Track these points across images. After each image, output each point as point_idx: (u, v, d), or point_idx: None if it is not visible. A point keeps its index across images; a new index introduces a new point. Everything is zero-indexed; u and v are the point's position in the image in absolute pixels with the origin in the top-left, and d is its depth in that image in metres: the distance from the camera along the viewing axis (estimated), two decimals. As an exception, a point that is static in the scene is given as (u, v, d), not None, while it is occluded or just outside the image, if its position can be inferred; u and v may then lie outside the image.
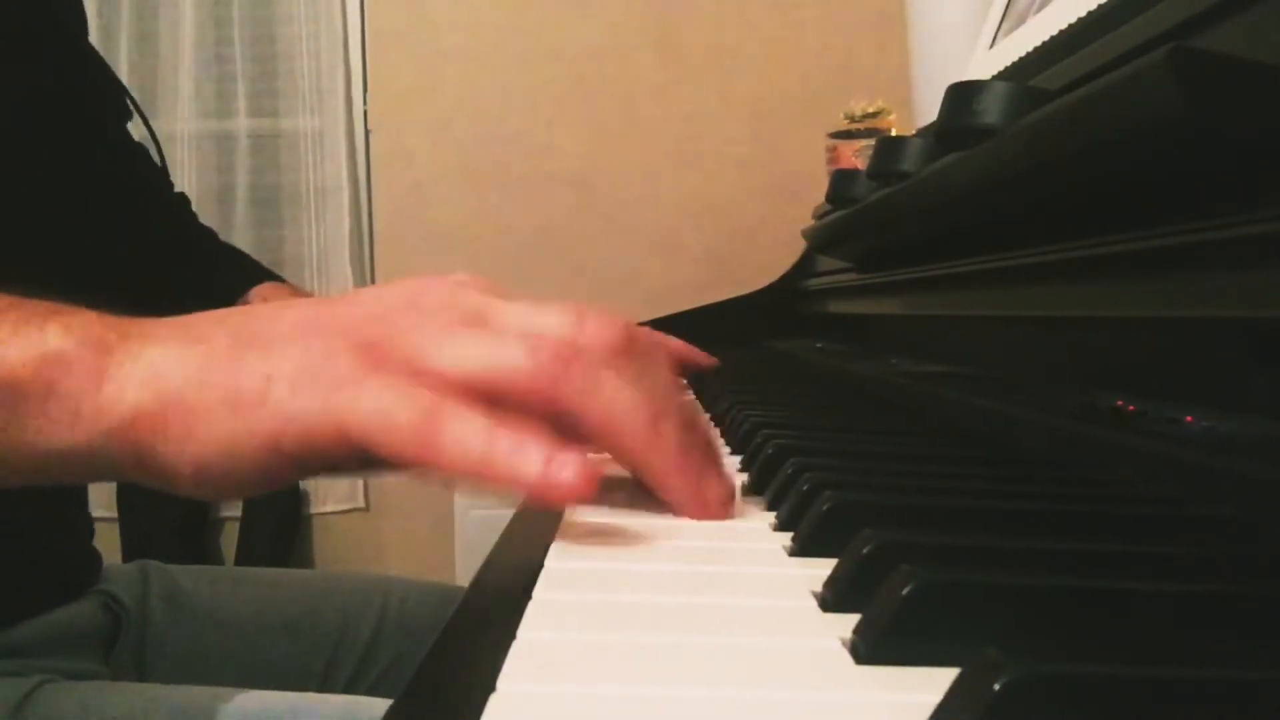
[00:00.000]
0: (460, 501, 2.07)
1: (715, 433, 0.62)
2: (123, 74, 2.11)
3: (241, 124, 2.19)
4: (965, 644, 0.19)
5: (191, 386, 0.33)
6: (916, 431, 0.56)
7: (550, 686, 0.22)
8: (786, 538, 0.35)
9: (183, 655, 0.77)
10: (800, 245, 1.31)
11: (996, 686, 0.18)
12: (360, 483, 2.21)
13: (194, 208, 0.96)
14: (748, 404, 0.63)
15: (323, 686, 0.78)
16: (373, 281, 2.21)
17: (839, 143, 1.43)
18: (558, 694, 0.21)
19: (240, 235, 2.15)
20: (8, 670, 0.64)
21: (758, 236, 2.09)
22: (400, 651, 0.82)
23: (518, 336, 0.34)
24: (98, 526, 0.82)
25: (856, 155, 1.28)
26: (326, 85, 2.18)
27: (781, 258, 1.44)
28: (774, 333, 1.35)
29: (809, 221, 1.15)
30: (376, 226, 2.22)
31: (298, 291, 0.91)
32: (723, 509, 0.38)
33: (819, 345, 1.12)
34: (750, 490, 0.44)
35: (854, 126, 1.42)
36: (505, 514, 0.40)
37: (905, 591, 0.23)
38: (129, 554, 2.03)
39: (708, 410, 0.72)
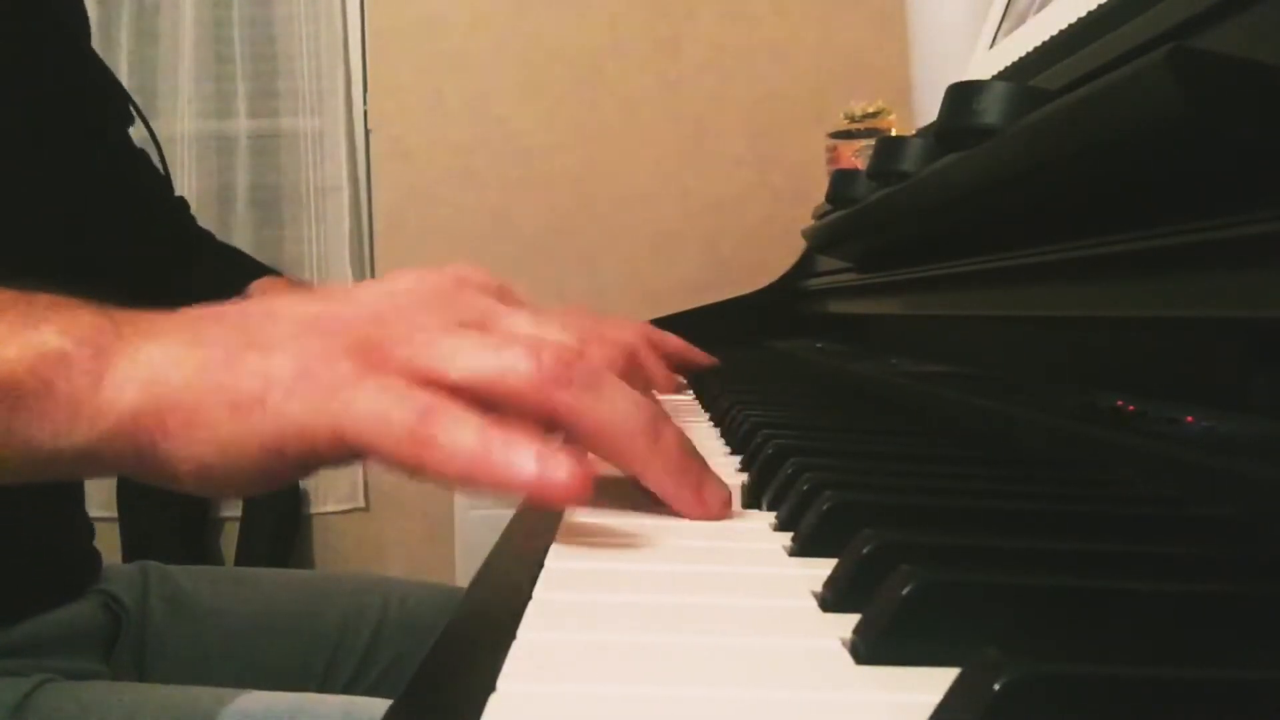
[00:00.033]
0: (460, 501, 2.07)
1: (715, 433, 0.62)
2: (122, 74, 2.12)
3: (241, 124, 2.19)
4: (965, 644, 0.19)
5: (191, 388, 0.33)
6: (916, 431, 0.56)
7: (550, 686, 0.22)
8: (786, 538, 0.35)
9: (183, 655, 0.77)
10: (800, 245, 1.31)
11: (996, 686, 0.18)
12: (360, 483, 2.21)
13: (194, 208, 0.96)
14: (748, 404, 0.63)
15: (323, 687, 0.78)
16: (373, 281, 2.20)
17: (839, 143, 1.44)
18: (558, 694, 0.21)
19: (240, 235, 2.15)
20: (8, 670, 0.64)
21: (758, 236, 2.09)
22: (400, 652, 0.82)
23: (518, 341, 0.34)
24: (98, 526, 0.82)
25: (856, 155, 1.28)
26: (326, 85, 2.18)
27: (781, 258, 1.44)
28: (774, 333, 1.35)
29: (809, 221, 1.15)
30: (376, 226, 2.22)
31: (296, 286, 0.90)
32: (724, 511, 0.38)
33: (819, 345, 1.12)
34: (750, 490, 0.44)
35: (854, 126, 1.42)
36: (505, 514, 0.40)
37: (905, 591, 0.23)
38: (129, 554, 2.04)
39: (707, 410, 0.72)
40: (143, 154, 0.89)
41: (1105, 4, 0.54)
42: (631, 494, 0.39)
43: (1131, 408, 0.42)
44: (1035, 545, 0.29)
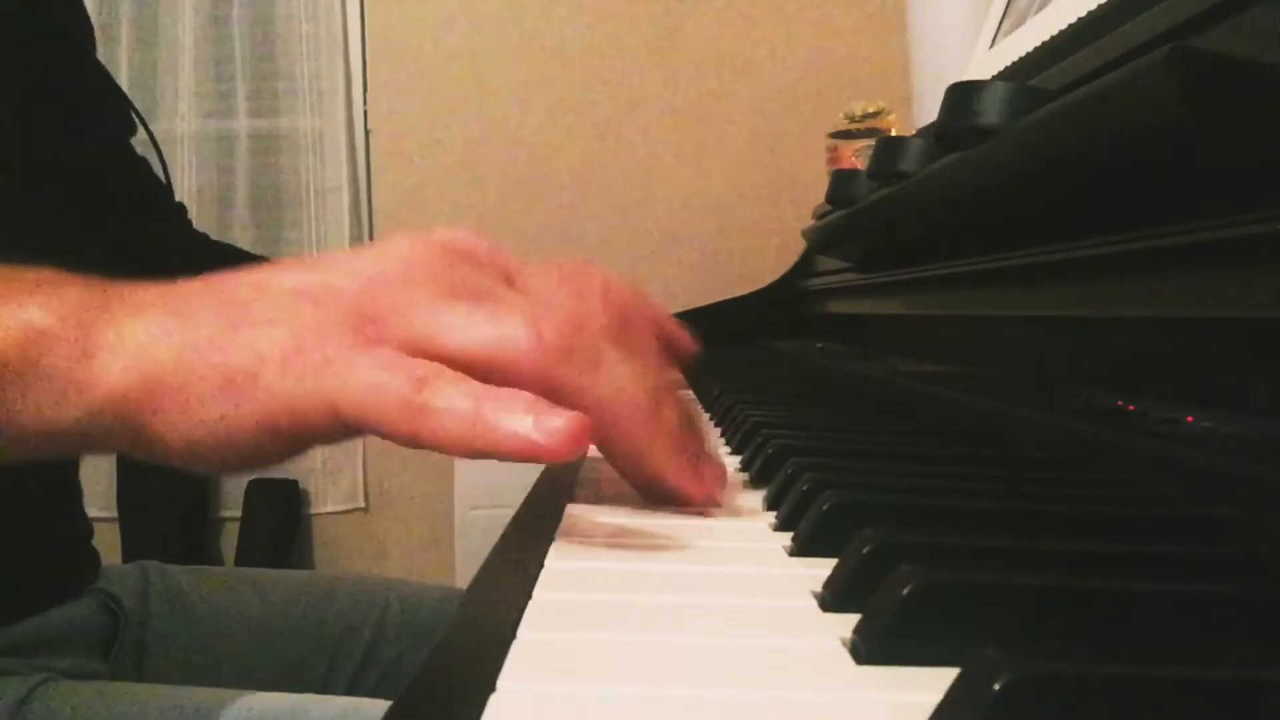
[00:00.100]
0: (460, 501, 2.07)
1: (715, 432, 0.62)
2: (122, 74, 2.12)
3: (241, 124, 2.19)
4: (965, 644, 0.19)
5: (180, 365, 0.32)
6: (916, 431, 0.56)
7: (550, 686, 0.22)
8: (786, 538, 0.35)
9: (183, 656, 0.77)
10: (800, 245, 1.31)
11: (996, 686, 0.18)
12: (360, 482, 2.21)
13: (194, 208, 0.96)
14: (748, 404, 0.63)
15: (323, 688, 0.78)
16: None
17: (839, 143, 1.44)
18: (558, 694, 0.21)
19: (240, 235, 2.15)
20: (7, 669, 0.64)
21: (758, 236, 2.09)
22: (400, 653, 0.82)
23: (517, 313, 0.34)
24: (98, 526, 0.82)
25: (856, 155, 1.28)
26: (326, 85, 2.18)
27: (781, 258, 1.44)
28: (774, 333, 1.35)
29: (809, 221, 1.15)
30: (376, 226, 2.22)
31: None
32: (719, 486, 0.38)
33: (819, 345, 1.12)
34: (750, 490, 0.44)
35: (854, 126, 1.42)
36: (505, 514, 0.40)
37: (905, 591, 0.23)
38: (129, 554, 2.03)
39: (707, 410, 0.72)
40: (143, 162, 0.89)
41: (1105, 4, 0.54)
42: (631, 494, 0.39)
43: (1131, 408, 0.42)
44: (1035, 545, 0.29)
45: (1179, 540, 0.32)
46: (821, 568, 0.29)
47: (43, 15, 0.73)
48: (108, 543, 2.02)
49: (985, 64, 0.77)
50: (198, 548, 2.15)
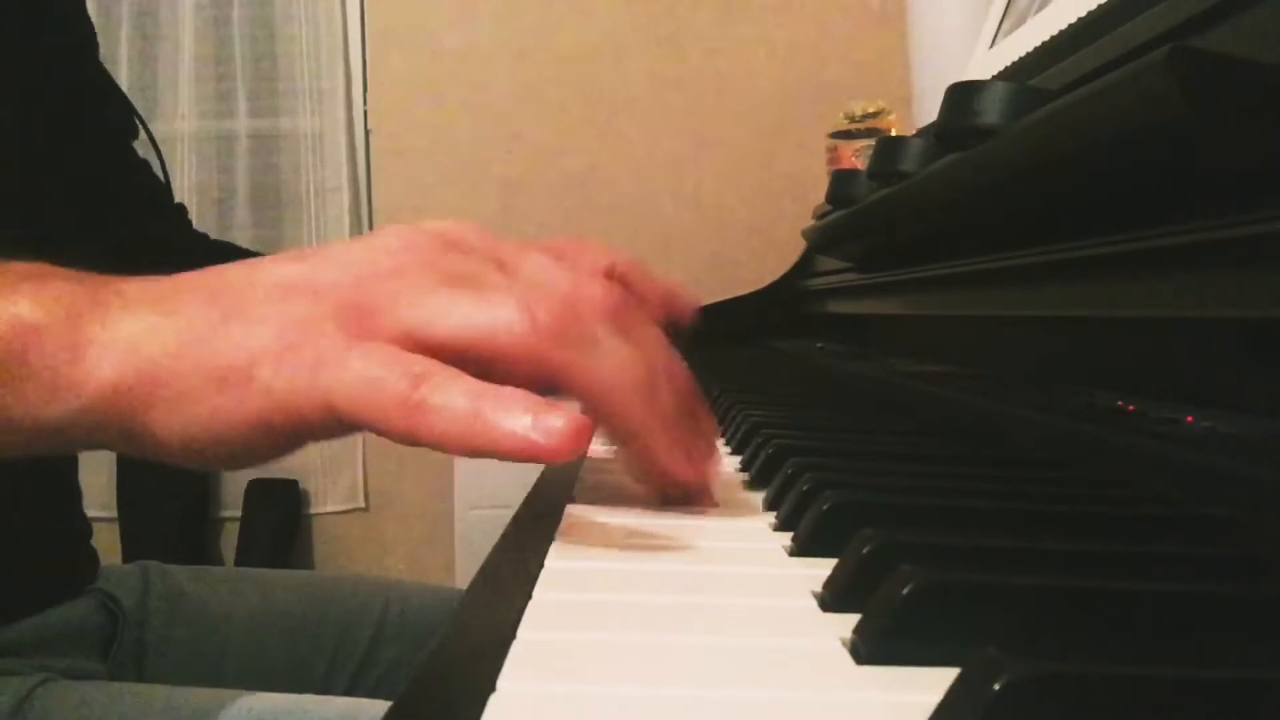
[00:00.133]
0: (460, 501, 2.07)
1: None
2: (122, 74, 2.12)
3: (241, 124, 2.20)
4: (965, 644, 0.19)
5: (172, 361, 0.32)
6: (916, 431, 0.56)
7: (550, 686, 0.22)
8: (786, 538, 0.35)
9: (183, 656, 0.77)
10: (800, 245, 1.31)
11: (996, 686, 0.18)
12: (360, 482, 2.21)
13: (194, 208, 0.96)
14: (748, 404, 0.63)
15: (323, 688, 0.78)
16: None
17: (839, 143, 1.44)
18: (558, 694, 0.21)
19: (240, 235, 2.15)
20: (6, 669, 0.64)
21: (758, 236, 2.09)
22: (400, 653, 0.82)
23: (509, 296, 0.33)
24: (97, 526, 0.82)
25: (856, 155, 1.28)
26: (326, 85, 2.18)
27: (781, 258, 1.44)
28: (774, 333, 1.35)
29: (809, 221, 1.15)
30: (376, 226, 2.22)
31: None
32: (710, 469, 0.37)
33: (819, 345, 1.12)
34: (750, 490, 0.44)
35: (854, 126, 1.42)
36: (505, 514, 0.40)
37: (905, 591, 0.23)
38: (129, 554, 2.03)
39: (708, 410, 0.72)
40: (144, 163, 0.89)
41: (1105, 4, 0.54)
42: (631, 494, 0.39)
43: (1131, 408, 0.42)
44: (1035, 545, 0.29)
45: (1179, 540, 0.32)
46: (821, 568, 0.29)
47: (43, 13, 0.73)
48: (107, 543, 2.02)
49: (985, 64, 0.77)
50: (198, 548, 2.15)
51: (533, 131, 2.18)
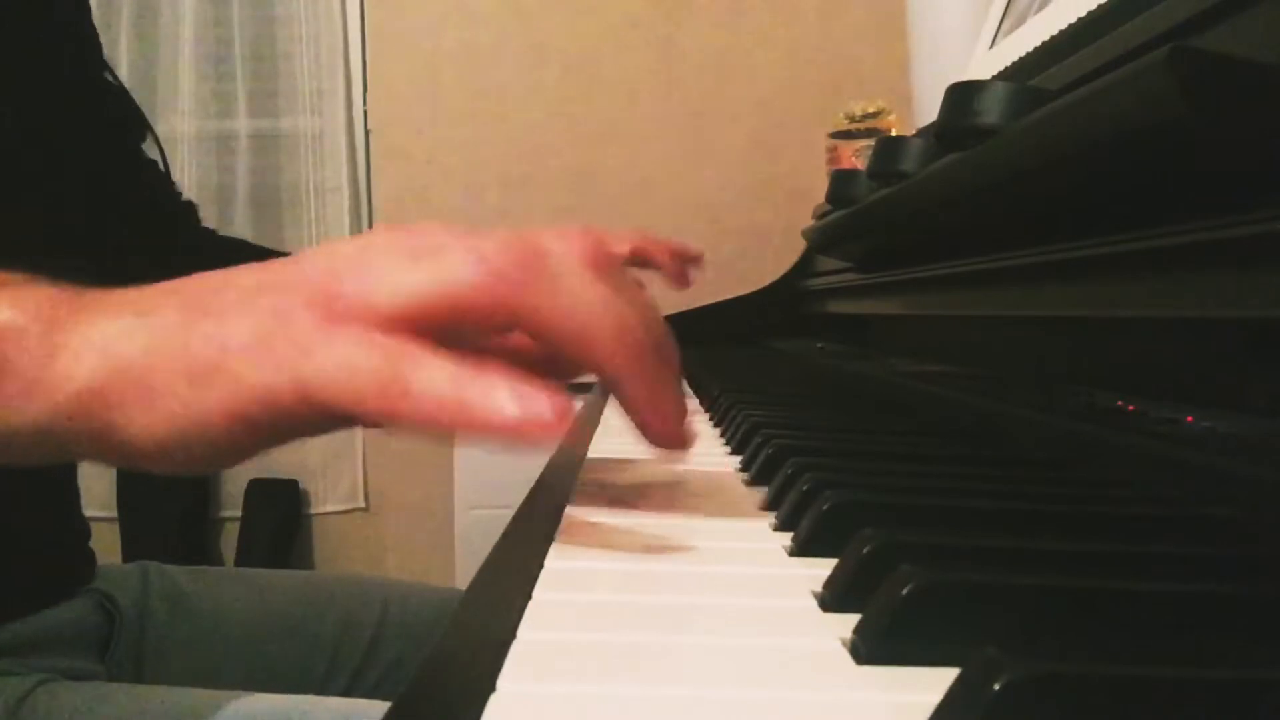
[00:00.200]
0: (460, 501, 2.07)
1: (715, 433, 0.62)
2: (123, 74, 2.11)
3: (241, 124, 2.20)
4: (965, 644, 0.19)
5: (145, 358, 0.32)
6: (916, 431, 0.56)
7: (550, 686, 0.22)
8: (786, 538, 0.35)
9: (182, 657, 0.77)
10: (800, 245, 1.31)
11: (996, 686, 0.18)
12: (360, 483, 2.21)
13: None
14: (748, 404, 0.63)
15: (323, 689, 0.78)
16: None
17: (839, 143, 1.44)
18: (558, 694, 0.21)
19: (240, 235, 2.15)
20: (4, 670, 0.64)
21: (758, 236, 2.09)
22: (400, 654, 0.82)
23: (461, 248, 0.32)
24: (97, 526, 0.82)
25: (856, 155, 1.28)
26: (326, 85, 2.18)
27: (781, 258, 1.44)
28: (774, 333, 1.35)
29: (809, 221, 1.15)
30: (376, 226, 2.22)
31: None
32: (679, 421, 0.36)
33: (819, 345, 1.12)
34: (750, 490, 0.44)
35: (854, 126, 1.42)
36: (505, 514, 0.40)
37: (905, 591, 0.23)
38: (128, 554, 2.04)
39: (707, 410, 0.72)
40: (152, 163, 0.89)
41: (1105, 4, 0.54)
42: (631, 494, 0.39)
43: (1131, 408, 0.42)
44: (1035, 545, 0.29)
45: (1179, 540, 0.32)
46: (821, 568, 0.29)
47: (44, 22, 0.73)
48: (107, 543, 2.02)
49: (985, 64, 0.77)
50: (198, 548, 2.15)
51: (533, 131, 2.18)
